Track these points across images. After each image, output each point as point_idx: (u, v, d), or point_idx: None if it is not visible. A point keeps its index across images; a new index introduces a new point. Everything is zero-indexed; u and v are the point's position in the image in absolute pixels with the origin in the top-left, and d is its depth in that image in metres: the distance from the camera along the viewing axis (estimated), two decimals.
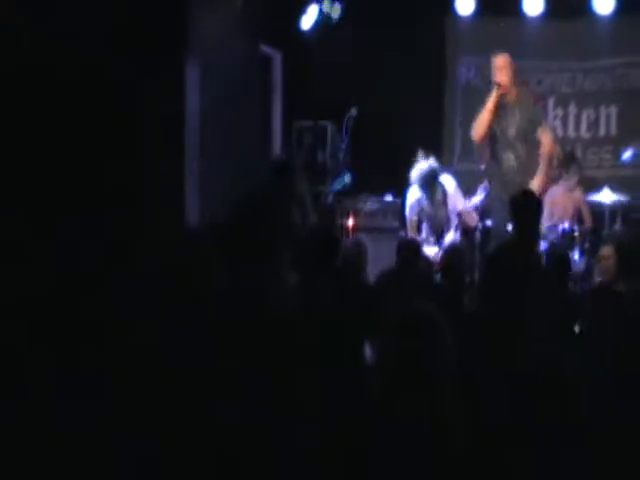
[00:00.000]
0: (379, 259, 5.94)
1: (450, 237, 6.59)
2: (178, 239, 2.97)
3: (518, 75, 6.57)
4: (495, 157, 6.51)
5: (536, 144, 6.44)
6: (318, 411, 2.75)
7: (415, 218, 6.65)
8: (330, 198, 7.23)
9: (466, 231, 6.87)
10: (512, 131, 6.44)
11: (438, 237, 6.64)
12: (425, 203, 6.62)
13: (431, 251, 6.47)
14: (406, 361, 2.53)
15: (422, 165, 6.52)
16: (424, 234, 6.63)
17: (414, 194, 6.66)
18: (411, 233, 6.67)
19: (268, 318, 3.05)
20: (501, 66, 6.40)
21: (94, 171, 5.05)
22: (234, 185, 6.30)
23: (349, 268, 5.01)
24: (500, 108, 6.38)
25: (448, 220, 6.65)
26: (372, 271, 5.47)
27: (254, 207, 3.43)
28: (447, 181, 6.68)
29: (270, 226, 3.42)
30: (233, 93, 6.95)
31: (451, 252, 5.28)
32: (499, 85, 6.33)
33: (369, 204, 7.63)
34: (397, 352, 2.57)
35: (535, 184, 6.27)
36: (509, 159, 6.46)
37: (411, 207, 6.67)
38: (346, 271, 4.96)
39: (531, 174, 6.37)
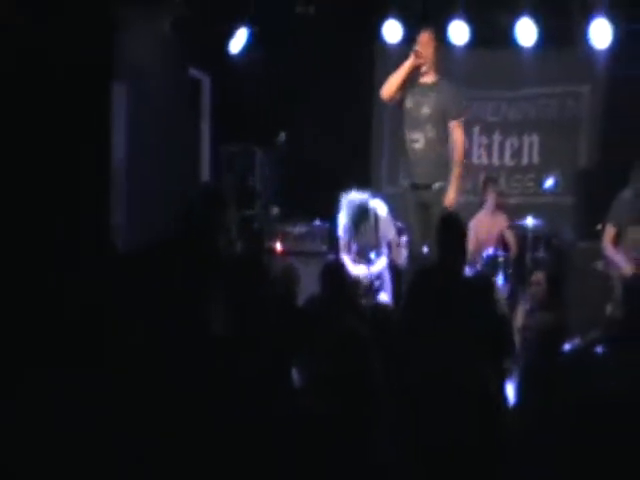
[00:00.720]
0: (307, 283, 5.94)
1: (381, 264, 6.59)
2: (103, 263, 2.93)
3: (442, 63, 6.49)
4: (402, 135, 6.39)
5: (446, 136, 6.31)
6: (249, 436, 2.74)
7: (346, 237, 6.66)
8: (258, 222, 7.22)
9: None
10: (426, 110, 6.30)
11: (367, 261, 6.66)
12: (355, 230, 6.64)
13: (360, 270, 6.49)
14: (336, 381, 2.57)
15: (352, 197, 6.54)
16: (353, 254, 6.63)
17: (345, 211, 6.66)
18: (343, 251, 6.68)
19: (198, 345, 3.03)
20: (424, 42, 6.35)
21: (17, 188, 4.96)
22: (162, 209, 6.24)
23: (280, 293, 5.00)
24: (415, 82, 6.32)
25: (379, 245, 6.66)
26: (300, 294, 5.47)
27: (182, 235, 3.41)
28: (379, 207, 6.71)
29: (197, 253, 3.40)
30: (161, 116, 6.90)
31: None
32: (417, 53, 6.29)
33: (298, 228, 7.65)
34: (328, 372, 2.62)
35: (450, 197, 6.18)
36: (417, 140, 6.29)
37: (343, 227, 6.69)
38: (276, 296, 4.95)
39: (437, 163, 6.26)
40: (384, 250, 6.69)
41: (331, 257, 6.61)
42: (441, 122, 6.29)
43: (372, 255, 6.60)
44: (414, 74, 6.35)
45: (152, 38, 6.91)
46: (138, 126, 6.45)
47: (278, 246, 6.72)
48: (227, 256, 5.81)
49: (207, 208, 6.05)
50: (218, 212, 6.04)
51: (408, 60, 6.35)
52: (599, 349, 4.76)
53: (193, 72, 8.09)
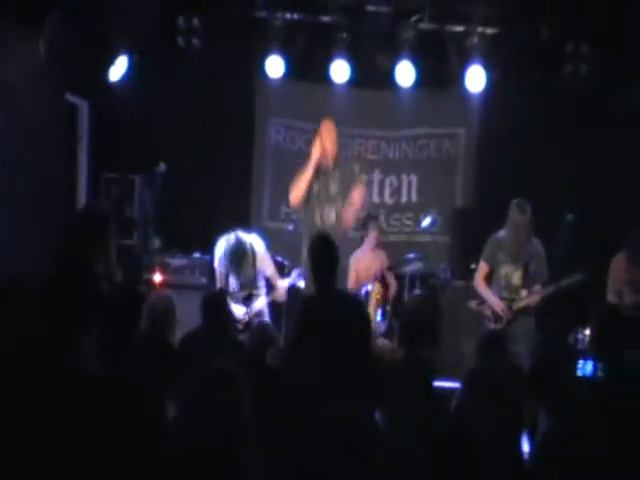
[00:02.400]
0: (186, 316, 5.81)
1: (261, 303, 6.53)
2: None
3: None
4: (312, 213, 6.44)
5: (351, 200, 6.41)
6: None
7: (224, 271, 6.57)
8: (137, 253, 7.05)
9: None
10: (334, 188, 6.41)
11: (245, 297, 6.57)
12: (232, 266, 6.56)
13: (238, 310, 6.41)
14: (205, 416, 2.59)
15: (226, 239, 6.47)
16: (231, 289, 6.54)
17: (221, 248, 6.59)
18: (220, 285, 6.58)
19: (72, 377, 2.92)
20: (326, 134, 6.42)
21: None
22: (36, 239, 6.02)
23: (156, 325, 4.86)
24: (320, 172, 6.37)
25: (256, 281, 6.59)
26: (178, 327, 5.34)
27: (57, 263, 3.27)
28: (256, 242, 6.66)
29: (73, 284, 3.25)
30: (36, 140, 6.69)
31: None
32: (323, 152, 6.33)
33: (177, 260, 7.51)
34: (196, 408, 2.64)
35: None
36: (329, 213, 6.40)
37: (219, 260, 6.59)
38: (152, 329, 4.82)
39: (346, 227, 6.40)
40: (262, 285, 6.62)
41: (214, 289, 6.49)
42: (347, 192, 6.38)
43: (253, 291, 6.52)
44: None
45: (25, 61, 6.69)
46: (9, 150, 6.22)
47: (157, 278, 6.55)
48: (106, 287, 5.63)
49: (87, 229, 5.85)
50: (99, 233, 5.85)
51: (311, 162, 6.32)
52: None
53: (70, 98, 7.87)
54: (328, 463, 2.40)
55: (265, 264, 6.61)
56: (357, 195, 6.41)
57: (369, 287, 7.53)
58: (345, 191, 6.40)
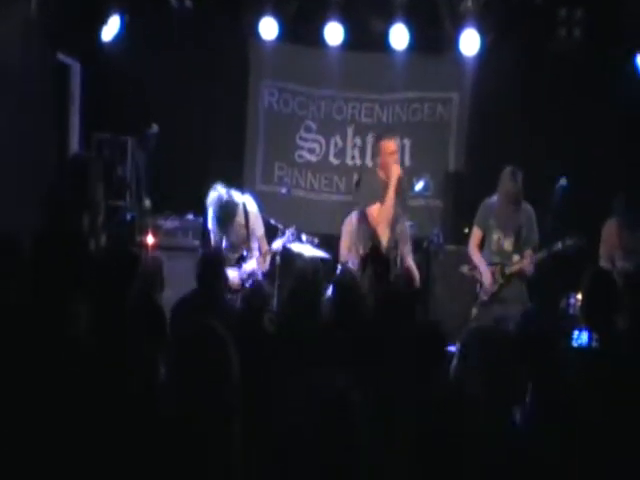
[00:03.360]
0: (178, 278, 5.83)
1: (251, 265, 6.52)
2: None
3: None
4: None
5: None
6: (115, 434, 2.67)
7: (216, 230, 6.57)
8: (129, 214, 7.03)
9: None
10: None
11: (238, 259, 6.58)
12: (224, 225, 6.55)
13: (231, 274, 6.42)
14: (192, 374, 2.61)
15: (217, 193, 6.45)
16: (224, 250, 6.54)
17: (212, 202, 6.56)
18: (213, 245, 6.58)
19: (64, 338, 2.94)
20: (392, 151, 6.55)
21: None
22: (26, 198, 6.00)
23: (144, 286, 4.86)
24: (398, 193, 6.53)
25: (249, 242, 6.59)
26: (170, 290, 5.35)
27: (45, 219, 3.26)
28: (249, 202, 6.65)
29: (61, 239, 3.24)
30: (26, 101, 6.64)
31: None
32: (399, 177, 6.48)
33: (169, 222, 7.49)
34: (182, 366, 2.66)
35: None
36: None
37: (212, 220, 6.59)
38: (140, 290, 4.82)
39: None
40: (255, 247, 6.62)
41: (211, 250, 6.49)
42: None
43: (244, 252, 6.52)
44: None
45: (16, 20, 6.62)
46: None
47: (149, 240, 6.54)
48: (95, 248, 5.63)
49: (72, 175, 5.82)
50: (84, 182, 5.83)
51: (392, 184, 6.46)
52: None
53: (62, 58, 7.80)
54: (310, 429, 2.41)
55: (257, 225, 6.61)
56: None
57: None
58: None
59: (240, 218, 6.55)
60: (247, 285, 6.25)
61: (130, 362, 3.83)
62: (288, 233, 6.57)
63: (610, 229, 6.57)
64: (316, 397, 2.25)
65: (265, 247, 6.61)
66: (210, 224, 6.67)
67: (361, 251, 6.51)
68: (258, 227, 6.64)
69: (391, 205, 6.44)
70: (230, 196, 6.45)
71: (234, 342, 2.73)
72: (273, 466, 2.35)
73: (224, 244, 6.57)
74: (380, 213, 6.44)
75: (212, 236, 6.66)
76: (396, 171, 6.47)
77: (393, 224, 6.47)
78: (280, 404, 2.83)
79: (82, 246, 4.98)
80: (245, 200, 6.62)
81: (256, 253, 6.61)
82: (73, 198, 5.72)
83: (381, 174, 6.59)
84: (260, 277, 6.51)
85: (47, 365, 2.73)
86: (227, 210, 6.44)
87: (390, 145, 6.61)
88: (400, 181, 6.53)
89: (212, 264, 5.23)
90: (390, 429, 2.90)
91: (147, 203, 6.67)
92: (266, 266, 6.65)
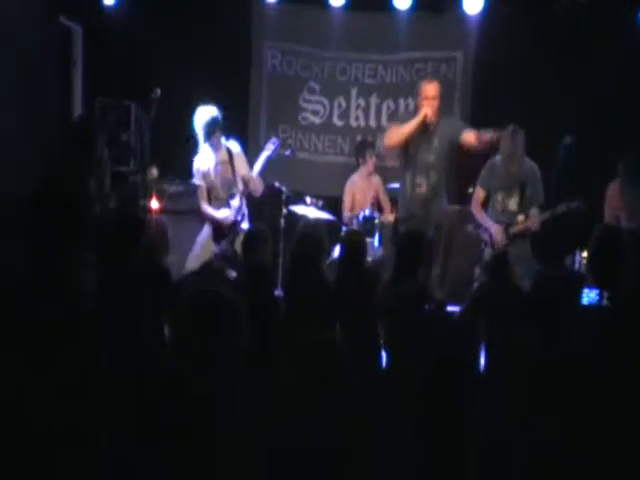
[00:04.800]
0: (183, 242, 5.86)
1: (235, 203, 6.51)
2: None
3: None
4: (405, 179, 6.56)
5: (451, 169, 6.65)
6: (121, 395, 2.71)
7: (203, 184, 6.58)
8: (134, 179, 7.04)
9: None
10: (431, 158, 6.48)
11: (227, 198, 6.56)
12: (212, 162, 6.52)
13: (224, 213, 6.44)
14: (197, 339, 2.61)
15: (205, 112, 6.44)
16: (215, 198, 6.55)
17: (200, 159, 6.55)
18: (201, 200, 6.58)
19: (70, 301, 2.96)
20: (432, 96, 6.45)
21: None
22: (28, 162, 6.01)
23: (149, 249, 4.90)
24: (421, 134, 6.42)
25: (236, 183, 6.56)
26: (175, 254, 5.39)
27: (50, 183, 3.25)
28: (232, 144, 6.64)
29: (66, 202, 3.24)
30: (29, 65, 6.63)
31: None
32: (426, 117, 6.36)
33: (173, 186, 7.50)
34: (188, 330, 2.66)
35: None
36: (421, 185, 6.50)
37: (197, 172, 6.58)
38: (145, 253, 4.86)
39: (438, 207, 6.55)
40: (239, 188, 6.57)
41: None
42: (444, 167, 6.56)
43: (234, 191, 6.51)
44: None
45: None
46: (1, 75, 6.17)
47: (153, 204, 6.55)
48: (101, 213, 5.66)
49: (78, 138, 5.81)
50: (91, 145, 5.83)
51: (418, 117, 6.38)
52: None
53: (64, 22, 7.77)
54: (307, 385, 2.45)
55: (240, 164, 6.57)
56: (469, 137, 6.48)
57: (366, 212, 7.56)
58: (441, 163, 6.51)
59: (224, 156, 6.52)
60: (239, 220, 6.33)
61: (133, 323, 3.89)
62: (271, 144, 6.58)
63: (615, 189, 6.56)
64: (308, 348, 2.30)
65: (252, 177, 6.56)
66: (195, 167, 6.59)
67: None
68: (242, 166, 6.59)
69: (405, 131, 6.39)
70: (215, 115, 6.44)
71: (244, 308, 2.74)
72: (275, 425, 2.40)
73: (213, 189, 6.55)
74: (392, 131, 6.42)
75: (198, 185, 6.60)
76: (425, 111, 6.38)
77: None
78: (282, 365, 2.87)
79: (85, 208, 5.02)
80: (229, 144, 6.60)
81: (240, 193, 6.57)
82: (79, 161, 5.72)
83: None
84: (246, 216, 6.52)
85: (49, 330, 2.74)
86: (213, 127, 6.41)
87: (428, 88, 6.52)
88: (427, 120, 6.39)
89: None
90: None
91: (154, 172, 6.68)
92: (262, 186, 6.60)
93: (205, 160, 6.54)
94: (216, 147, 6.50)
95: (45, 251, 3.02)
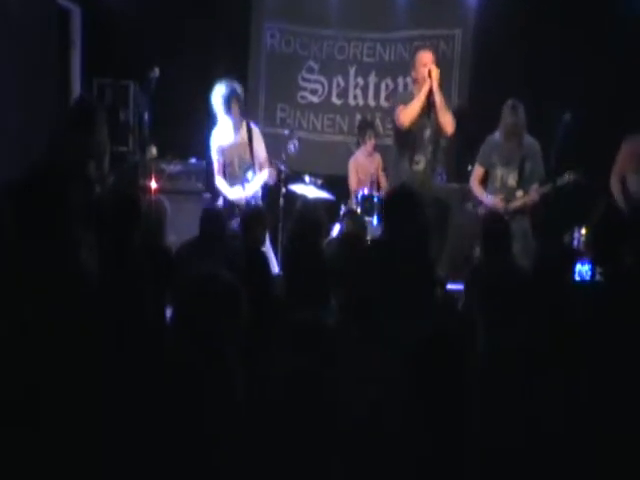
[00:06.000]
0: (182, 221, 5.87)
1: (255, 185, 6.51)
2: None
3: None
4: (402, 156, 6.55)
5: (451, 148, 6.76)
6: (122, 375, 2.73)
7: (220, 159, 6.56)
8: (133, 159, 7.04)
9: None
10: (427, 133, 6.48)
11: (242, 177, 6.54)
12: (231, 138, 6.51)
13: (236, 193, 6.44)
14: (197, 321, 2.63)
15: (223, 86, 6.42)
16: (230, 175, 6.54)
17: (218, 133, 6.53)
18: (217, 175, 6.57)
19: (69, 281, 2.97)
20: (430, 61, 6.42)
21: None
22: (27, 143, 6.01)
23: (148, 230, 4.91)
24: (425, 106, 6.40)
25: (252, 162, 6.55)
26: (174, 233, 5.40)
27: (48, 162, 3.26)
28: (254, 128, 6.63)
29: (65, 185, 3.25)
30: (27, 46, 6.62)
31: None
32: (430, 74, 6.34)
33: (172, 166, 7.51)
34: (188, 312, 2.68)
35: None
36: (419, 162, 6.52)
37: (214, 146, 6.52)
38: (145, 234, 4.87)
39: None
40: (257, 170, 6.57)
41: (210, 205, 6.49)
42: (439, 142, 6.57)
43: (249, 174, 6.50)
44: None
45: None
46: (2, 53, 6.16)
47: (152, 184, 6.56)
48: (101, 193, 5.67)
49: (78, 118, 5.81)
50: (90, 124, 5.82)
51: (425, 85, 6.35)
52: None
53: (62, 2, 7.76)
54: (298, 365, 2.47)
55: (259, 147, 6.56)
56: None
57: (365, 191, 7.56)
58: (436, 139, 6.53)
59: (244, 134, 6.51)
60: (253, 203, 6.34)
61: (136, 304, 3.90)
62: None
63: (629, 148, 6.46)
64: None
65: (266, 167, 6.58)
66: (213, 142, 6.57)
67: None
68: (261, 149, 6.59)
69: (418, 105, 6.36)
70: (233, 87, 6.43)
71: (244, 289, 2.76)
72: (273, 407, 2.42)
73: (228, 166, 6.54)
74: (404, 111, 6.39)
75: (214, 159, 6.58)
76: (430, 74, 6.35)
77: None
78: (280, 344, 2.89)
79: (85, 189, 5.02)
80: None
81: (257, 177, 6.57)
82: (79, 142, 5.72)
83: (415, 91, 6.48)
84: (259, 199, 6.53)
85: (50, 310, 2.76)
86: (232, 99, 6.40)
87: (425, 55, 6.50)
88: (432, 78, 6.36)
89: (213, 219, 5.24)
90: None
91: (153, 151, 6.67)
92: (273, 177, 6.66)
93: (224, 135, 6.50)
94: (236, 124, 6.46)
95: (45, 234, 3.03)
